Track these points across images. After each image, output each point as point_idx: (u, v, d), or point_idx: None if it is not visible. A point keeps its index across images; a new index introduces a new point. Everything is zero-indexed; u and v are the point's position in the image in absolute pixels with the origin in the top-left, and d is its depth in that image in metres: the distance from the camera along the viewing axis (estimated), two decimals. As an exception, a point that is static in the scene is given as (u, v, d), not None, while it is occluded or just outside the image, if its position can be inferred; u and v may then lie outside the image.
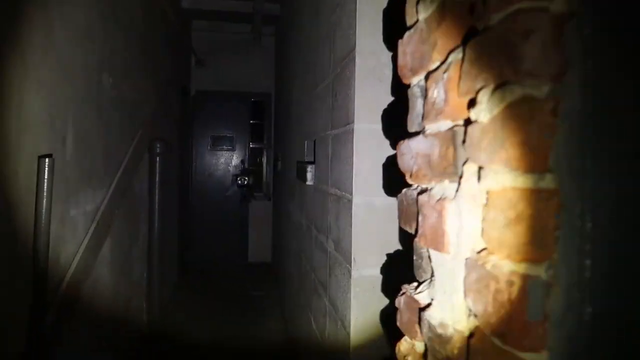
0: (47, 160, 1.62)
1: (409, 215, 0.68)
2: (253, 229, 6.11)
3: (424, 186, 0.65)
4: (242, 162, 6.21)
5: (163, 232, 3.68)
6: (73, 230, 2.14)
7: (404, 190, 0.71)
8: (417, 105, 0.68)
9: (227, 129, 6.16)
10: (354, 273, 1.43)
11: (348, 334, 1.45)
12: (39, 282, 1.61)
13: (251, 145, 6.29)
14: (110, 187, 2.65)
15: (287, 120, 3.92)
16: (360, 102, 1.41)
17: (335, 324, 1.67)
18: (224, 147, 6.17)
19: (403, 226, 0.71)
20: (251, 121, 6.27)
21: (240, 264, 6.01)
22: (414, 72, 0.68)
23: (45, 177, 1.61)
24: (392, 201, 1.43)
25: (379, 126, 1.41)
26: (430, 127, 0.62)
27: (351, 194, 1.43)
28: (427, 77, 0.64)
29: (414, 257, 0.69)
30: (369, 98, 1.41)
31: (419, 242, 0.65)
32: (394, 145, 1.42)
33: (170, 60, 4.51)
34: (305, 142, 2.61)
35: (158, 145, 3.57)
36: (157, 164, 3.59)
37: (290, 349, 3.22)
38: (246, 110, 6.24)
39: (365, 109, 1.41)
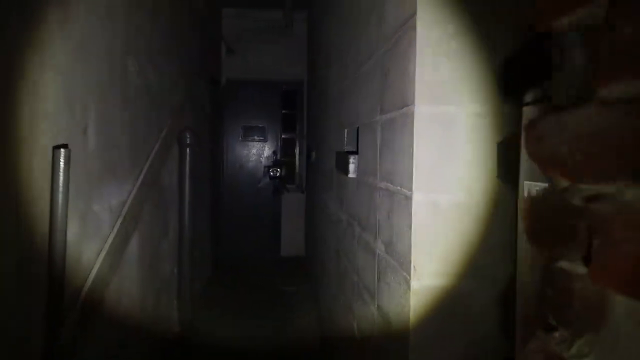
0: (62, 151, 1.45)
1: (555, 229, 0.45)
2: (286, 222, 5.94)
3: (594, 189, 0.42)
4: (274, 153, 6.03)
5: (194, 226, 3.53)
6: (97, 227, 1.99)
7: (540, 191, 0.48)
8: (573, 60, 0.44)
9: (258, 119, 5.98)
10: (413, 284, 1.20)
11: (406, 356, 1.23)
12: (55, 285, 1.45)
13: (283, 136, 6.10)
14: (137, 180, 2.49)
15: (323, 108, 3.69)
16: (421, 80, 1.17)
17: (388, 340, 1.45)
18: (256, 137, 6.00)
19: (539, 245, 0.48)
20: (283, 111, 6.07)
21: (273, 257, 5.85)
22: (567, 9, 0.45)
23: (61, 169, 1.44)
24: (460, 199, 1.19)
25: (446, 108, 1.17)
26: (617, 90, 0.39)
27: (410, 189, 1.20)
28: (613, 2, 0.40)
29: (549, 290, 0.47)
30: (433, 75, 1.17)
31: (591, 277, 0.42)
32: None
33: (199, 48, 4.35)
34: (345, 130, 2.38)
35: (188, 136, 3.41)
36: (187, 156, 3.43)
37: (327, 353, 3.02)
38: (278, 99, 6.04)
39: (427, 87, 1.17)
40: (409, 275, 1.21)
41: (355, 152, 2.07)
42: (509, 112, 1.16)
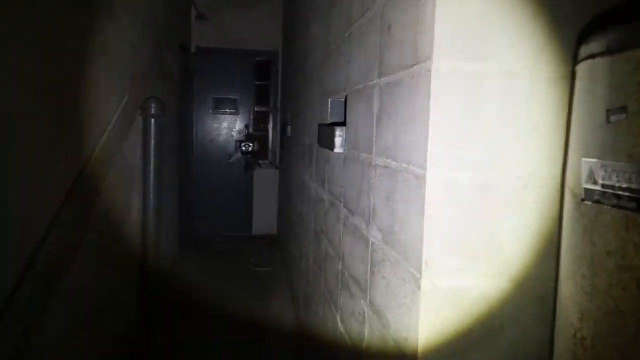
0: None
1: None
2: (258, 199, 5.70)
3: None
4: (247, 126, 5.72)
5: (159, 204, 3.23)
6: (41, 209, 1.69)
7: None
8: None
9: (230, 91, 5.64)
10: (424, 283, 0.97)
11: (413, 368, 1.01)
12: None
13: (256, 109, 5.78)
14: (92, 154, 2.18)
15: (302, 77, 3.41)
16: (443, 27, 0.92)
17: (383, 342, 1.24)
18: (227, 110, 5.67)
19: None
20: (256, 82, 5.73)
21: (244, 235, 5.61)
22: None
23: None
24: (487, 179, 0.96)
25: (473, 63, 0.93)
26: None
27: (423, 167, 0.97)
28: None
29: None
30: (458, 20, 0.92)
31: None
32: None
33: (166, 10, 3.97)
34: (329, 100, 2.13)
35: (153, 106, 3.09)
36: (152, 127, 3.11)
37: (305, 343, 2.82)
38: (251, 70, 5.69)
39: (451, 37, 0.92)
40: (419, 272, 0.99)
41: (343, 124, 1.82)
42: (554, 69, 0.93)
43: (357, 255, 1.54)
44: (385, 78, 1.24)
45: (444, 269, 0.97)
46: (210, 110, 5.63)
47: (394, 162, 1.16)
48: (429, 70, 0.94)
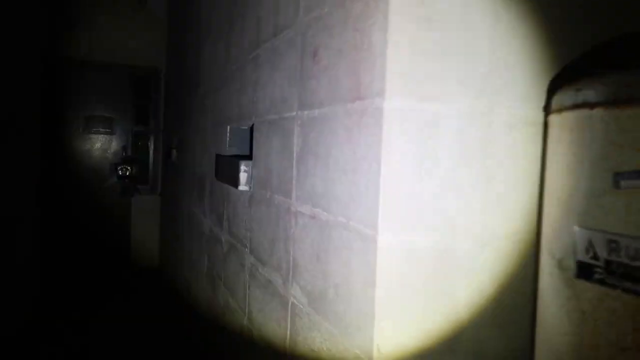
0: None
1: None
2: (136, 228, 5.15)
3: None
4: (124, 148, 5.17)
5: (8, 242, 2.68)
6: None
7: None
8: None
9: (105, 109, 5.06)
10: (376, 372, 0.78)
11: None
12: None
13: (135, 130, 5.25)
14: None
15: (192, 98, 3.10)
16: (397, 57, 0.75)
17: None
18: (101, 129, 5.07)
19: None
20: (135, 100, 5.22)
21: (121, 269, 5.02)
22: None
23: None
24: (449, 242, 0.80)
25: (430, 105, 0.77)
26: None
27: (374, 227, 0.78)
28: None
29: None
30: (415, 50, 0.76)
31: None
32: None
33: (16, 10, 3.40)
34: (228, 127, 1.87)
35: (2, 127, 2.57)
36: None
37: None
38: (129, 87, 5.17)
39: (406, 70, 0.75)
40: (369, 357, 0.79)
41: (248, 157, 1.59)
42: (512, 113, 0.80)
43: (272, 316, 1.31)
44: (311, 111, 1.04)
45: (398, 352, 0.79)
46: (81, 130, 4.99)
47: (326, 214, 0.96)
48: (380, 109, 0.76)
